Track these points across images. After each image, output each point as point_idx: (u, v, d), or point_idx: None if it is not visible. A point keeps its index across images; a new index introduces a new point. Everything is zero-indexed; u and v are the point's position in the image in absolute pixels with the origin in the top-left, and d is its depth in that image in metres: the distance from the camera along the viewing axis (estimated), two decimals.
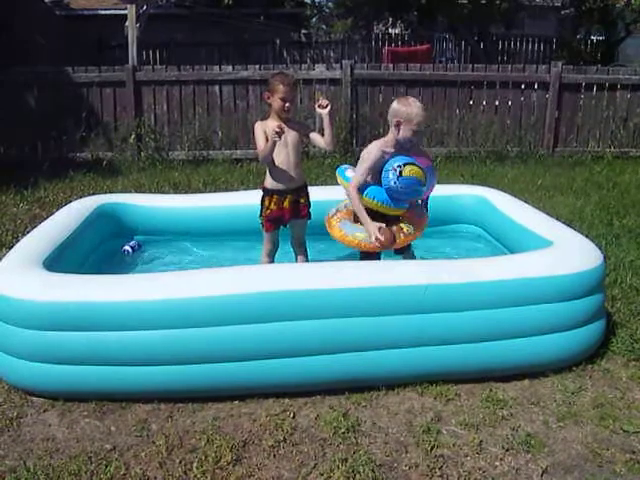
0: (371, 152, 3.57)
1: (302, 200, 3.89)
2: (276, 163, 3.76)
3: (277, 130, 3.50)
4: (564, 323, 3.20)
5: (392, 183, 3.44)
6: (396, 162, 3.46)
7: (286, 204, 3.83)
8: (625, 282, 4.31)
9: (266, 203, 3.86)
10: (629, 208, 6.25)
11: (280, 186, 3.82)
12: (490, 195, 4.82)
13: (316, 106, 3.78)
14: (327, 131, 3.74)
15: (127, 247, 4.61)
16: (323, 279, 3.07)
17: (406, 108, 3.46)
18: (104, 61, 9.50)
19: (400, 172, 3.41)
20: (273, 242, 3.97)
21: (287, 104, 3.70)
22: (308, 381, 3.04)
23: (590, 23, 18.43)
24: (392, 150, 3.55)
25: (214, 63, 8.93)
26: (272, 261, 4.01)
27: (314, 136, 3.85)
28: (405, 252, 3.81)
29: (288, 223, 3.93)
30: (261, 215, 3.90)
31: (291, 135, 3.76)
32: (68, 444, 2.72)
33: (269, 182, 3.85)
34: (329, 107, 3.71)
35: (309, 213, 3.95)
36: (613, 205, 6.36)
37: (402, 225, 3.64)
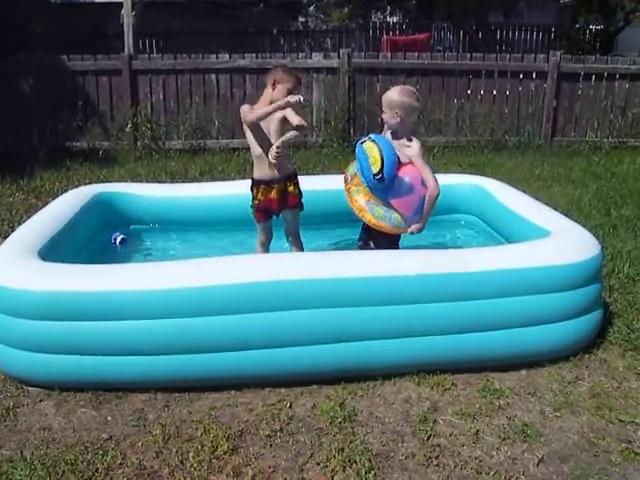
0: None
1: (290, 189, 3.84)
2: (261, 153, 3.73)
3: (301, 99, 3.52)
4: (561, 313, 3.20)
5: (357, 143, 3.55)
6: (371, 135, 3.58)
7: (273, 194, 3.79)
8: (622, 272, 4.32)
9: (254, 193, 3.85)
10: (627, 198, 6.25)
11: (266, 176, 3.79)
12: (488, 184, 4.80)
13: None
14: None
15: (115, 240, 4.54)
16: (320, 269, 3.06)
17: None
18: (100, 49, 9.43)
19: (364, 141, 3.50)
20: (266, 232, 3.96)
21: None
22: (305, 371, 3.04)
23: (589, 12, 18.34)
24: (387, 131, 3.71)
25: (211, 52, 8.86)
26: (267, 251, 4.01)
27: (288, 113, 3.69)
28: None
29: (280, 213, 3.91)
30: (252, 205, 3.89)
31: (274, 123, 3.71)
32: (64, 434, 2.71)
33: (255, 172, 3.83)
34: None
35: (301, 203, 3.91)
36: (611, 195, 6.36)
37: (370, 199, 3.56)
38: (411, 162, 3.56)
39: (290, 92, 3.65)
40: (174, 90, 8.58)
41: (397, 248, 3.77)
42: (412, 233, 3.64)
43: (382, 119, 3.66)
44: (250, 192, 3.90)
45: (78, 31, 11.79)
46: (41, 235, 3.54)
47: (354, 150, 3.65)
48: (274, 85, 3.71)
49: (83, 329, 2.89)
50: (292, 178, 3.87)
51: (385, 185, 3.45)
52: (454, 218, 4.96)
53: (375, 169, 3.39)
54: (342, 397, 2.96)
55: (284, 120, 3.70)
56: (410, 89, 3.65)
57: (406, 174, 3.52)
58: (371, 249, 3.66)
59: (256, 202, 3.85)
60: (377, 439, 2.68)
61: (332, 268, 3.07)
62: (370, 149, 3.43)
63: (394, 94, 3.56)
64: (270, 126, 3.72)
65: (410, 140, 3.61)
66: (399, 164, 3.49)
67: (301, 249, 4.03)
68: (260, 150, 3.73)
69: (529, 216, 3.98)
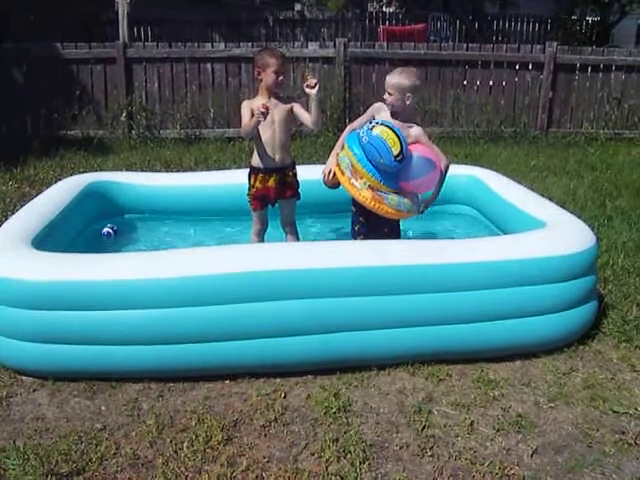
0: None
1: (289, 179, 3.86)
2: (262, 141, 3.73)
3: (262, 110, 3.49)
4: (556, 304, 3.20)
5: (361, 132, 3.48)
6: (377, 120, 3.55)
7: (271, 183, 3.80)
8: (617, 264, 4.32)
9: (252, 181, 3.85)
10: (622, 189, 6.25)
11: (265, 164, 3.79)
12: (483, 175, 4.80)
13: (304, 86, 3.67)
14: (313, 111, 3.69)
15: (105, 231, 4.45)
16: (314, 259, 3.05)
17: None
18: (95, 37, 9.36)
19: (372, 127, 3.47)
20: (261, 221, 3.95)
21: (281, 77, 3.67)
22: (299, 361, 3.03)
23: (585, 4, 18.26)
24: (386, 113, 3.68)
25: (206, 40, 8.79)
26: (262, 240, 3.99)
27: (299, 111, 3.76)
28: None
29: (276, 203, 3.90)
30: (248, 193, 3.88)
31: (278, 113, 3.72)
32: (58, 424, 2.70)
33: (255, 160, 3.82)
34: (317, 87, 3.64)
35: (298, 193, 3.93)
36: (606, 187, 6.36)
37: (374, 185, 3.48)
38: (416, 142, 3.59)
39: (277, 74, 3.65)
40: (169, 79, 8.51)
41: (399, 233, 3.79)
42: (421, 212, 3.71)
43: (385, 100, 3.64)
44: (247, 180, 3.88)
45: (72, 19, 11.67)
46: (34, 224, 3.52)
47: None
48: (260, 73, 3.71)
49: (76, 318, 2.87)
50: (291, 168, 3.88)
51: (400, 167, 3.43)
52: (450, 209, 4.95)
53: (396, 150, 3.36)
54: (337, 387, 2.96)
55: (290, 111, 3.75)
56: (413, 70, 3.72)
57: (419, 152, 3.53)
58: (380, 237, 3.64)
59: (253, 190, 3.85)
60: (372, 429, 2.68)
61: (327, 258, 3.06)
62: (385, 133, 3.39)
63: (402, 78, 3.57)
64: (275, 115, 3.71)
65: (410, 121, 3.67)
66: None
67: (297, 239, 4.03)
68: (264, 137, 3.73)
69: (525, 207, 3.98)
